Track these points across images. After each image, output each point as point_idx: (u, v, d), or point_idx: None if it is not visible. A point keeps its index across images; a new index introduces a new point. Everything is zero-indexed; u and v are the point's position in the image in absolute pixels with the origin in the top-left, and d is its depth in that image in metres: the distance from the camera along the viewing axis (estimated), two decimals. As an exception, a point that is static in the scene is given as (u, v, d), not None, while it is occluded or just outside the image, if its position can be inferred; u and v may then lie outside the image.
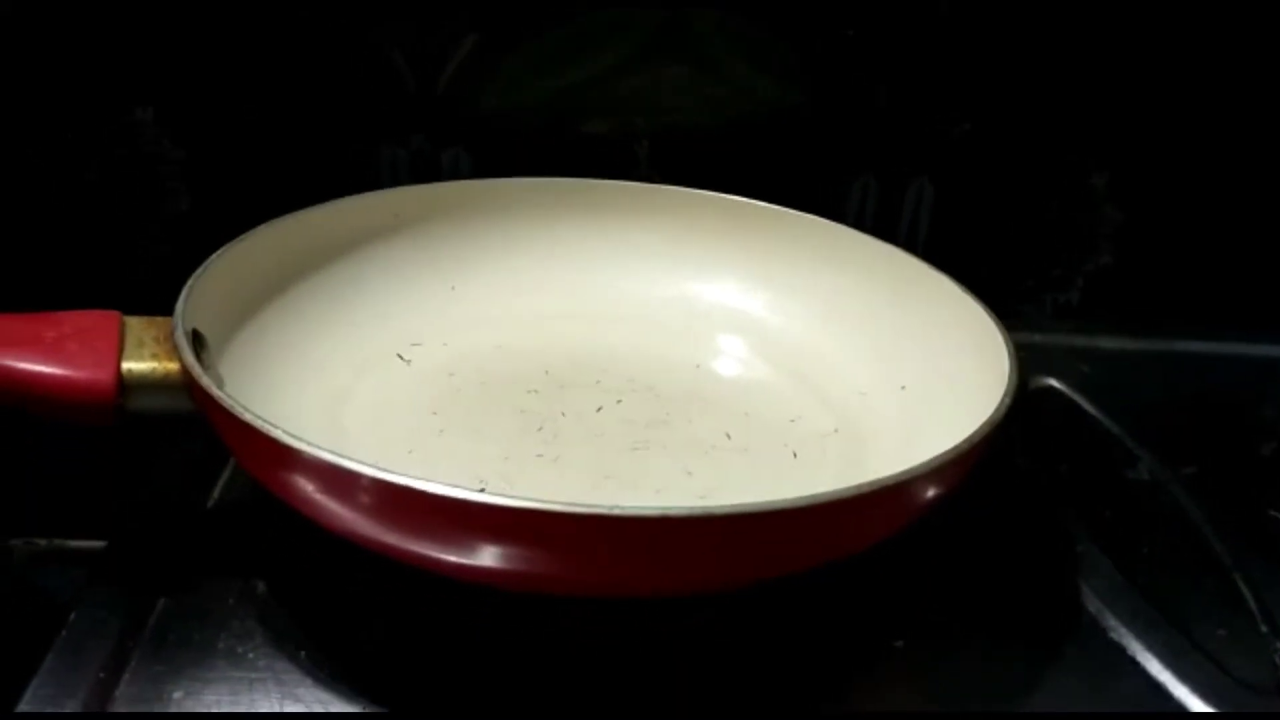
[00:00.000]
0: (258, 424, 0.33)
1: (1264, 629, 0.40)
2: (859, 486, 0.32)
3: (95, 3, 0.52)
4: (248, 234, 0.44)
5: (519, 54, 0.54)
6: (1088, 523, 0.44)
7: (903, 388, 0.45)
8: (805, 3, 0.54)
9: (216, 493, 0.43)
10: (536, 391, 0.46)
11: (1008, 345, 0.41)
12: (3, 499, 0.49)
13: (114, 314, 0.39)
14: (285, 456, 0.33)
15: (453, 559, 0.33)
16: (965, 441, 0.35)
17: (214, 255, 0.42)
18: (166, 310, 0.39)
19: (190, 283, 0.40)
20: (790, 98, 0.57)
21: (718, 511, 0.31)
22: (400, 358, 0.47)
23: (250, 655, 0.36)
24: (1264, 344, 0.58)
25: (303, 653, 0.36)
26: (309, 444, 0.32)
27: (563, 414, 0.45)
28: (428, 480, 0.31)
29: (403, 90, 0.55)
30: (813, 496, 0.32)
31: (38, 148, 0.55)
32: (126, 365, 0.37)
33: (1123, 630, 0.39)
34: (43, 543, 0.54)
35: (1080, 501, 0.46)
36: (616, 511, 0.31)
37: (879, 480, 0.32)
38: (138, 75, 0.54)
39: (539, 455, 0.42)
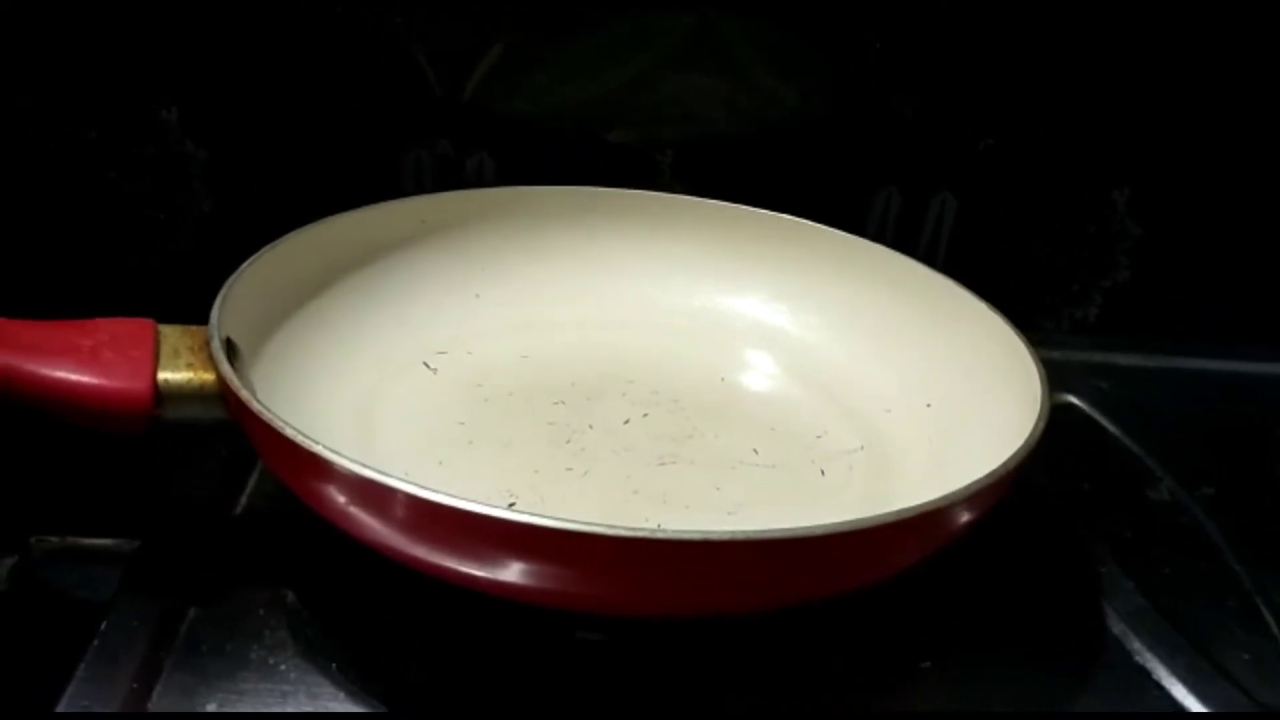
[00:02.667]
0: (299, 439, 0.33)
1: (1286, 653, 0.40)
2: (901, 511, 0.32)
3: (122, 2, 0.52)
4: (278, 241, 0.44)
5: (546, 61, 0.54)
6: (1110, 542, 0.45)
7: (928, 405, 0.46)
8: (833, 14, 0.54)
9: (244, 499, 0.43)
10: (563, 403, 0.46)
11: (1038, 367, 0.41)
12: (21, 497, 0.48)
13: (148, 322, 0.39)
14: (326, 471, 0.33)
15: (487, 576, 0.33)
16: (1002, 466, 0.35)
17: (246, 263, 0.42)
18: (188, 310, 0.39)
19: (224, 291, 0.40)
20: (815, 109, 0.57)
21: (759, 536, 0.31)
22: (426, 366, 0.47)
23: (282, 667, 0.36)
24: (1280, 363, 0.59)
25: (334, 665, 0.36)
26: (352, 460, 0.32)
27: (590, 426, 0.45)
28: (483, 503, 0.31)
29: (429, 95, 0.54)
30: (855, 522, 0.32)
31: (62, 145, 0.54)
32: (163, 375, 0.37)
33: (1147, 654, 0.39)
34: (55, 540, 0.54)
35: (1102, 521, 0.46)
36: (660, 535, 0.31)
37: (920, 505, 0.33)
38: (163, 75, 0.54)
39: (568, 469, 0.42)
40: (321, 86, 0.54)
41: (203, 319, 0.39)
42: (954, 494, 0.33)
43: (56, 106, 0.54)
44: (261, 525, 0.42)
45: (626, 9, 0.54)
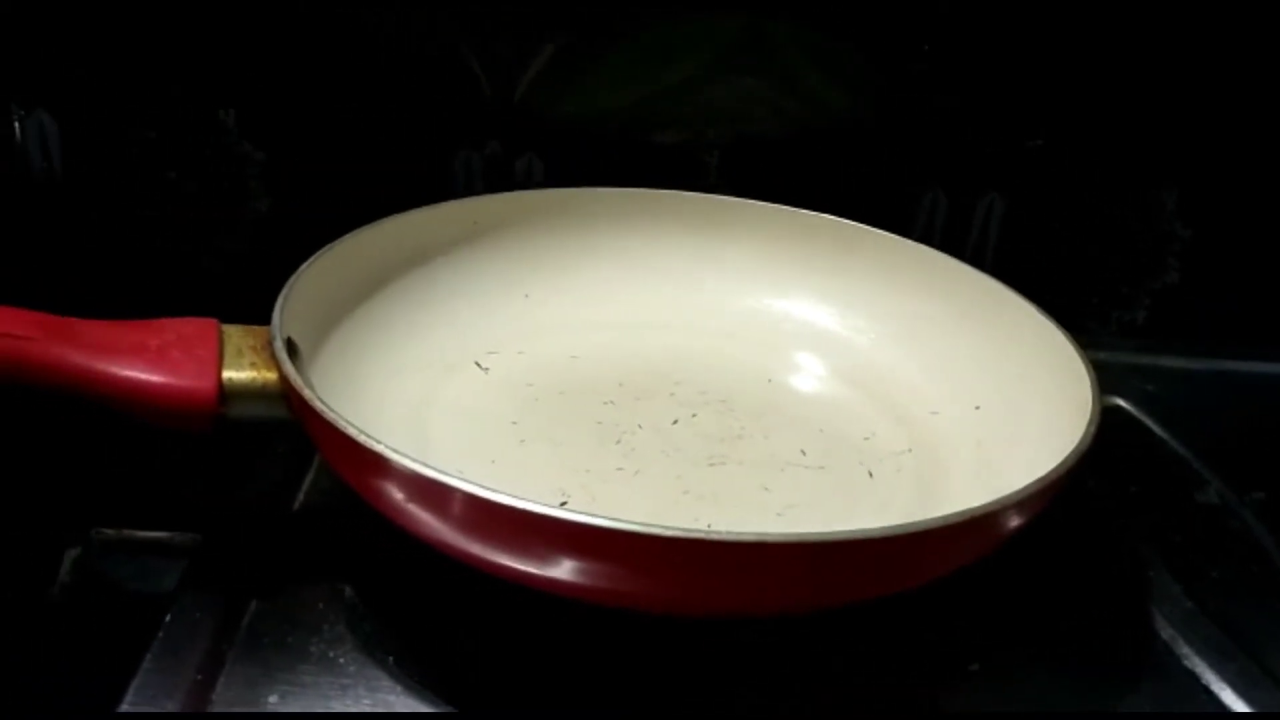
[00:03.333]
0: (361, 438, 0.34)
1: (1337, 659, 0.40)
2: (952, 515, 0.32)
3: (181, 6, 0.53)
4: (335, 243, 0.45)
5: (595, 63, 0.55)
6: (1158, 546, 0.45)
7: (977, 408, 0.46)
8: (880, 16, 0.55)
9: (301, 495, 0.44)
10: (612, 403, 0.46)
11: (1088, 370, 0.41)
12: (83, 490, 0.50)
13: (212, 321, 0.39)
14: (386, 469, 0.34)
15: (540, 573, 0.34)
16: (1054, 470, 0.35)
17: (305, 264, 0.43)
18: (239, 308, 0.40)
19: (285, 291, 0.41)
20: (862, 110, 0.57)
21: (811, 538, 0.31)
22: (478, 365, 0.48)
23: (341, 660, 0.37)
24: (1331, 366, 0.58)
25: (391, 659, 0.37)
26: (412, 459, 0.33)
27: (639, 426, 0.45)
28: (537, 502, 0.32)
29: (479, 97, 0.55)
30: (907, 525, 0.32)
31: (122, 147, 0.56)
32: (227, 374, 0.38)
33: (1196, 658, 0.39)
34: (112, 532, 0.56)
35: (1150, 524, 0.46)
36: (712, 536, 0.32)
37: (971, 510, 0.33)
38: (221, 77, 0.55)
39: (619, 469, 0.43)
40: (374, 89, 0.55)
41: (254, 318, 0.40)
42: (1006, 498, 0.33)
43: (116, 108, 0.55)
44: (319, 521, 0.43)
45: (675, 12, 0.54)
